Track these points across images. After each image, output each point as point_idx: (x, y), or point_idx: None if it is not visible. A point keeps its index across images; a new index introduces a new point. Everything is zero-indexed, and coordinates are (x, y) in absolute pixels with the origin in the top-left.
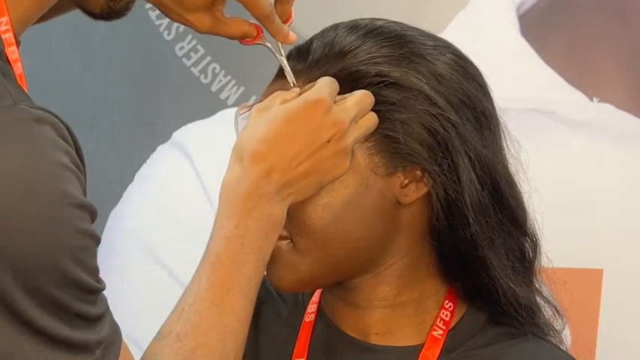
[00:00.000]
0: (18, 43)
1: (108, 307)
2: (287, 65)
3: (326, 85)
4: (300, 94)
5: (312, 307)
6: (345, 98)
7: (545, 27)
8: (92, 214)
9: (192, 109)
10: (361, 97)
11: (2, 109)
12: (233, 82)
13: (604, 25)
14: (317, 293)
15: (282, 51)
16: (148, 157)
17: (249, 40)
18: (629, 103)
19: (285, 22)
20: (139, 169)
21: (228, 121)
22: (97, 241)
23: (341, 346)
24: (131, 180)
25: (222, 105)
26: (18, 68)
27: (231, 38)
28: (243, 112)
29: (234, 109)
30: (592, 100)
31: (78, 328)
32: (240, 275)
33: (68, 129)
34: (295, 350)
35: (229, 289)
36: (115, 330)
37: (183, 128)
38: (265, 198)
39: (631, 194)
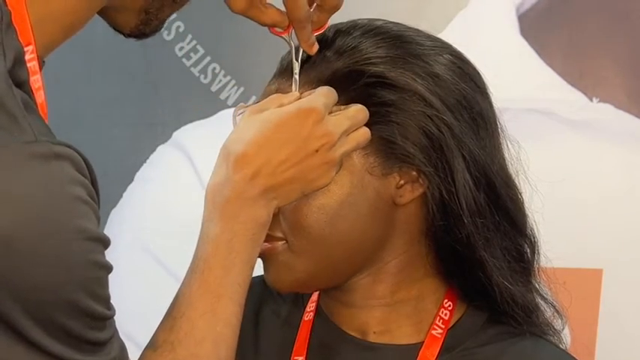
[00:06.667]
0: (41, 67)
1: (116, 328)
2: (297, 74)
3: (322, 95)
4: (297, 100)
5: (311, 306)
6: (340, 110)
7: (545, 27)
8: (105, 245)
9: (192, 109)
10: (356, 111)
11: (23, 145)
12: (233, 82)
13: (604, 25)
14: (316, 292)
15: (300, 58)
16: (148, 157)
17: (277, 30)
18: (629, 103)
19: (316, 31)
20: (139, 169)
21: (228, 121)
22: (109, 270)
23: (340, 344)
24: (131, 180)
25: (222, 105)
26: (40, 97)
27: (261, 24)
28: (241, 112)
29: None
30: (592, 100)
31: (87, 352)
32: (230, 280)
33: (85, 160)
34: (294, 349)
35: (220, 296)
36: (123, 350)
37: (183, 128)
38: (250, 201)
39: (631, 194)
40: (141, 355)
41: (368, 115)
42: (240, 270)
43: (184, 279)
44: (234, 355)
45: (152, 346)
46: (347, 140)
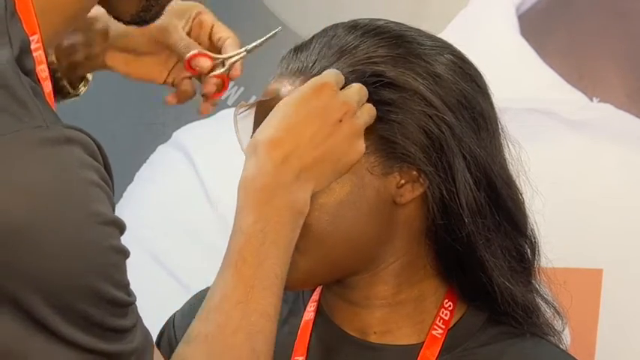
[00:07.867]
0: (47, 57)
1: (139, 315)
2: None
3: (332, 72)
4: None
5: (311, 306)
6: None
7: (545, 27)
8: (121, 229)
9: (193, 109)
10: (360, 87)
11: (33, 130)
12: (233, 82)
13: (603, 25)
14: (317, 292)
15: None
16: (148, 157)
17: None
18: (629, 103)
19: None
20: (139, 169)
21: (228, 121)
22: (126, 255)
23: (340, 344)
24: (131, 180)
25: (222, 105)
26: (47, 86)
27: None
28: (242, 111)
29: (234, 109)
30: (592, 100)
31: (111, 340)
32: (264, 271)
33: (98, 145)
34: (295, 348)
35: (253, 287)
36: (147, 337)
37: (183, 128)
38: (284, 186)
39: (631, 194)
40: (177, 349)
41: (367, 93)
42: (276, 260)
43: (219, 271)
44: (274, 345)
45: (187, 338)
46: (363, 110)
